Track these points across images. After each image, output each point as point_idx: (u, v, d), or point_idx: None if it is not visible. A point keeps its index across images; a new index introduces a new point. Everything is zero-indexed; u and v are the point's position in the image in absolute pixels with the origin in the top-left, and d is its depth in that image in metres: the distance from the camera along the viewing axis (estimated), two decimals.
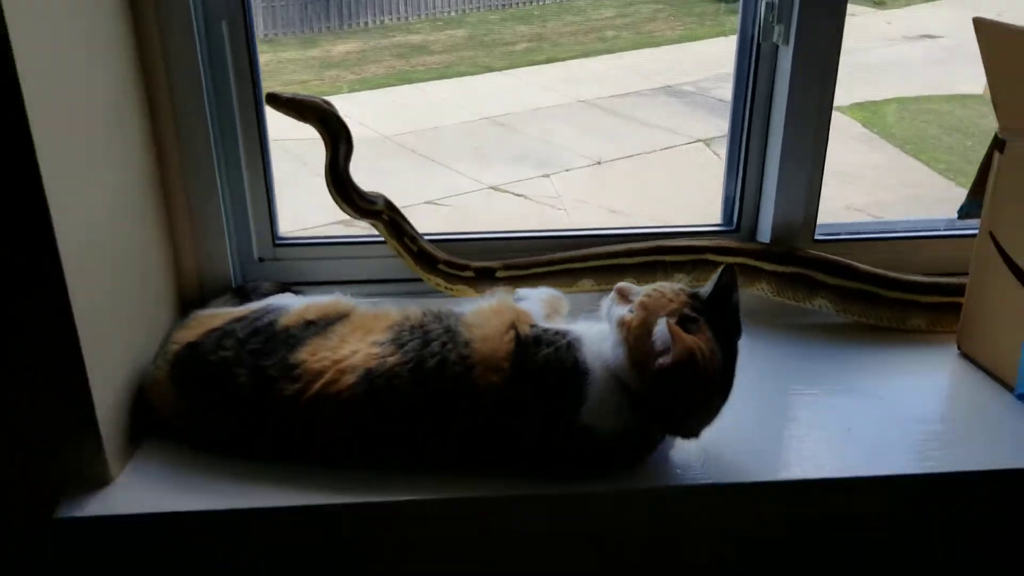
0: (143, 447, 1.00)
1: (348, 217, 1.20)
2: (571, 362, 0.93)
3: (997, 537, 1.09)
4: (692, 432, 0.93)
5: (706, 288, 0.95)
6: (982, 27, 1.03)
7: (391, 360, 0.94)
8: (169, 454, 0.99)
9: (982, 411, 1.09)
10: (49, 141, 0.83)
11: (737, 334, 0.95)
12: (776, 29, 1.18)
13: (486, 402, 0.92)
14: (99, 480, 0.94)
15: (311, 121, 1.15)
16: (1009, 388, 1.11)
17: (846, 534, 1.07)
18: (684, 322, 0.89)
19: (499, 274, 1.22)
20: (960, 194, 1.19)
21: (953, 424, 1.07)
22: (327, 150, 1.16)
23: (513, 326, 0.96)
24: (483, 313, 0.99)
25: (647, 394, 0.90)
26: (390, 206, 1.21)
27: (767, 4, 1.17)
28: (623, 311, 0.93)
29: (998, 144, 1.09)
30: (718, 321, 0.92)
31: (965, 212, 1.16)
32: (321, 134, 1.16)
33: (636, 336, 0.90)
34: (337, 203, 1.19)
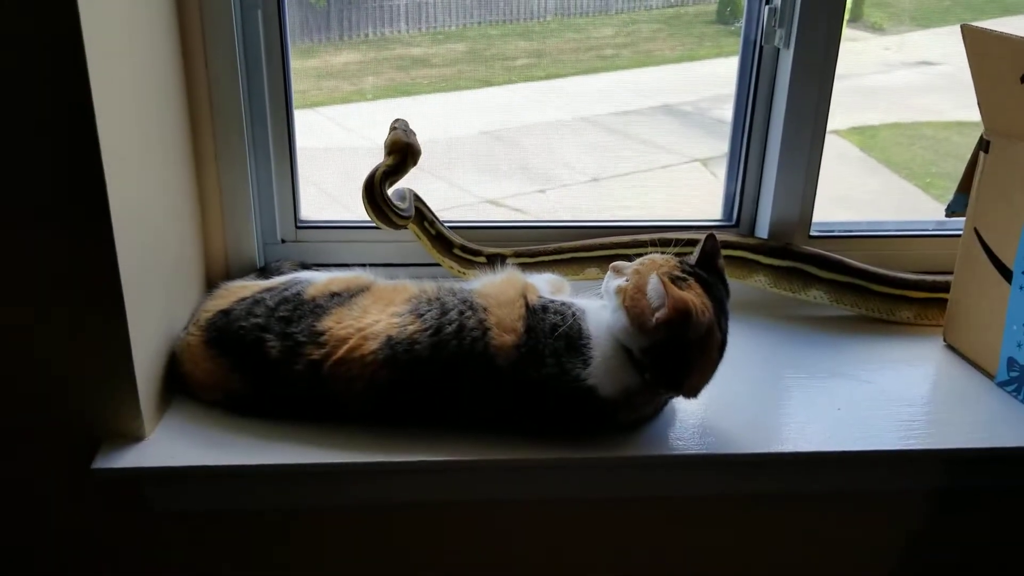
0: (172, 408, 1.06)
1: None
2: (576, 327, 1.00)
3: (974, 510, 1.15)
4: (693, 389, 0.99)
5: (692, 256, 1.03)
6: (969, 34, 1.10)
7: (411, 328, 1.00)
8: (197, 415, 1.05)
9: (964, 396, 1.15)
10: (108, 122, 0.90)
11: (726, 294, 1.02)
12: (778, 33, 1.25)
13: (499, 362, 0.98)
14: (135, 436, 1.00)
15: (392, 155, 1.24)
16: (990, 376, 1.17)
17: (835, 506, 1.13)
18: (674, 281, 0.97)
19: (510, 261, 1.28)
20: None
21: (936, 407, 1.13)
22: (383, 168, 1.22)
23: (523, 294, 1.04)
24: (495, 284, 1.07)
25: (649, 352, 0.96)
26: (416, 197, 1.27)
27: (770, 9, 1.25)
28: (620, 281, 1.00)
29: (983, 145, 1.16)
30: (706, 282, 0.99)
31: (952, 210, 1.23)
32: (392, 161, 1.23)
33: (632, 297, 0.97)
34: (370, 215, 1.23)
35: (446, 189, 1.66)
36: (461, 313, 1.01)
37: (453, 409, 1.01)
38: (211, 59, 1.15)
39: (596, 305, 1.04)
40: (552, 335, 0.99)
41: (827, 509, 1.16)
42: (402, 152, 1.23)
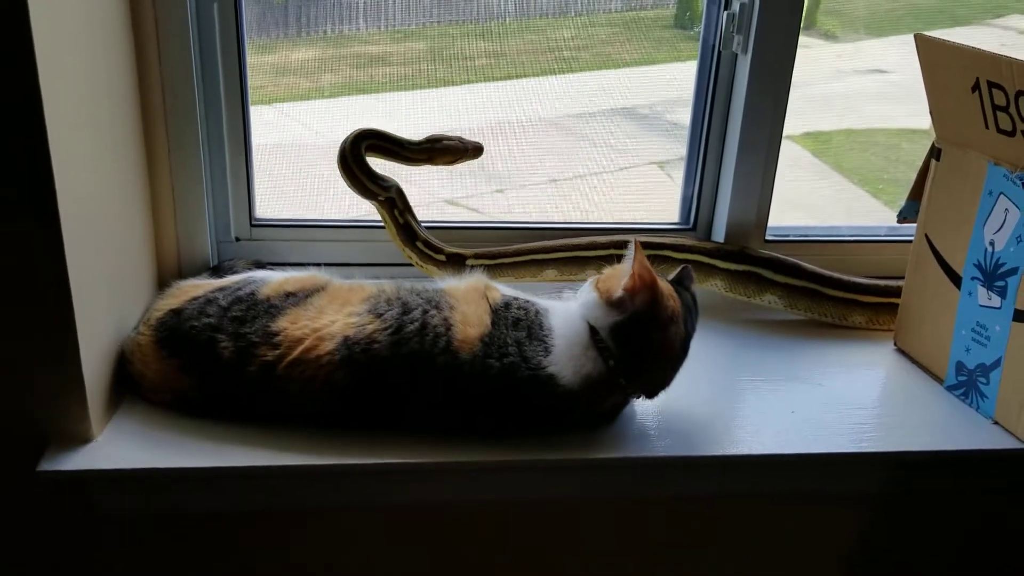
0: (122, 409, 1.04)
1: None
2: (538, 320, 1.03)
3: (925, 512, 1.18)
4: (653, 382, 1.02)
5: (669, 277, 1.07)
6: (922, 43, 1.12)
7: (370, 327, 0.99)
8: (146, 416, 1.03)
9: (914, 400, 1.17)
10: (56, 117, 0.87)
11: (694, 308, 1.06)
12: (736, 39, 1.26)
13: (463, 356, 0.98)
14: (82, 438, 0.98)
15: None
16: (939, 380, 1.20)
17: (789, 508, 1.15)
18: None
19: (469, 262, 1.28)
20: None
21: (887, 410, 1.15)
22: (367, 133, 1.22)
23: (486, 294, 1.06)
24: (460, 287, 1.08)
25: (614, 331, 0.99)
26: (398, 190, 1.27)
27: (728, 15, 1.26)
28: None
29: (935, 152, 1.18)
30: (677, 288, 1.05)
31: (903, 216, 1.25)
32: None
33: (607, 278, 1.02)
34: (345, 179, 1.23)
35: (403, 186, 1.65)
36: (425, 312, 1.01)
37: (412, 410, 1.00)
38: (165, 54, 1.13)
39: (559, 303, 1.06)
40: (515, 327, 1.01)
41: (781, 511, 1.17)
42: (432, 150, 1.25)
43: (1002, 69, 1.02)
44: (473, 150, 1.27)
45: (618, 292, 0.99)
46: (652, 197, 1.59)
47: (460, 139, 1.27)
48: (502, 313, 1.03)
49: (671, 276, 1.08)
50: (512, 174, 1.78)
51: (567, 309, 1.04)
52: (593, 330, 1.00)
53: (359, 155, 1.21)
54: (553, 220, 1.41)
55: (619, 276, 1.01)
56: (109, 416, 1.02)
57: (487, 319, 1.01)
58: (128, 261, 1.11)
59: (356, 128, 1.21)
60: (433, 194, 1.67)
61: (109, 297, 1.03)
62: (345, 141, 1.21)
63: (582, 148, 1.83)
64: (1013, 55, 1.01)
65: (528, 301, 1.06)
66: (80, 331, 0.93)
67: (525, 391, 0.98)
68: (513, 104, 1.74)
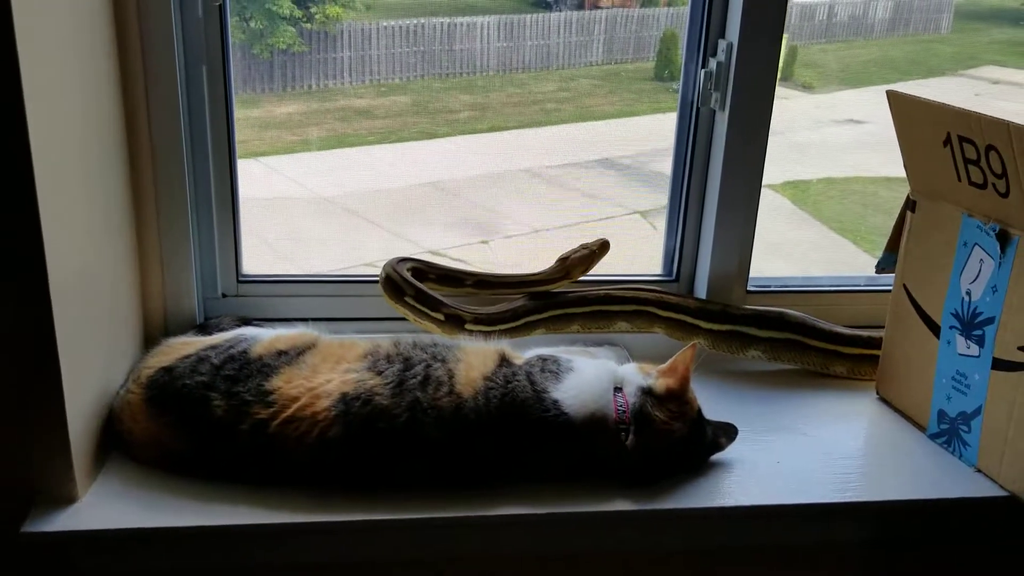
0: (108, 468, 1.04)
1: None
2: (555, 358, 1.08)
3: (910, 561, 1.18)
4: (650, 471, 1.05)
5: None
6: (895, 99, 1.15)
7: (371, 382, 1.00)
8: (134, 475, 1.03)
9: (897, 448, 1.18)
10: (47, 180, 0.89)
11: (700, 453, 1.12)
12: (714, 96, 1.29)
13: (465, 397, 1.01)
14: (67, 498, 0.97)
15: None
16: (922, 429, 1.21)
17: (776, 559, 1.15)
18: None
19: (468, 326, 1.26)
20: None
21: (871, 460, 1.16)
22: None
23: (502, 352, 1.09)
24: (478, 346, 1.12)
25: (646, 391, 1.06)
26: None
27: (705, 73, 1.29)
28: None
29: (910, 204, 1.20)
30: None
31: (881, 267, 1.27)
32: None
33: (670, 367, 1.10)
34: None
35: (389, 239, 1.65)
36: (428, 366, 1.03)
37: (412, 461, 1.00)
38: (154, 114, 1.14)
39: (590, 359, 1.12)
40: (528, 365, 1.06)
41: (768, 562, 1.17)
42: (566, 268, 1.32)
43: (972, 124, 1.05)
44: (600, 248, 1.33)
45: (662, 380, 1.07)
46: (636, 247, 1.61)
47: (582, 246, 1.33)
48: (516, 364, 1.07)
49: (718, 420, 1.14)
50: (496, 225, 1.79)
51: (597, 360, 1.10)
52: (617, 387, 1.05)
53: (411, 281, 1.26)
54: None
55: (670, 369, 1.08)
56: (95, 475, 1.02)
57: (492, 366, 1.05)
58: (116, 319, 1.12)
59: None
60: (419, 245, 1.68)
61: (96, 356, 1.04)
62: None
63: (566, 198, 1.85)
64: (986, 105, 1.04)
65: (554, 353, 1.11)
66: (67, 391, 0.94)
67: (527, 413, 1.01)
68: (497, 156, 1.76)
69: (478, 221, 1.80)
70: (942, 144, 1.10)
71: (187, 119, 1.18)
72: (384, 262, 1.28)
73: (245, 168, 1.32)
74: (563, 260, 1.32)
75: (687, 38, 1.33)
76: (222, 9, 1.18)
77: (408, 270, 1.27)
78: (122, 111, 1.12)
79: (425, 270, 1.30)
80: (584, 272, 1.32)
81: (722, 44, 1.27)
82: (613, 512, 1.02)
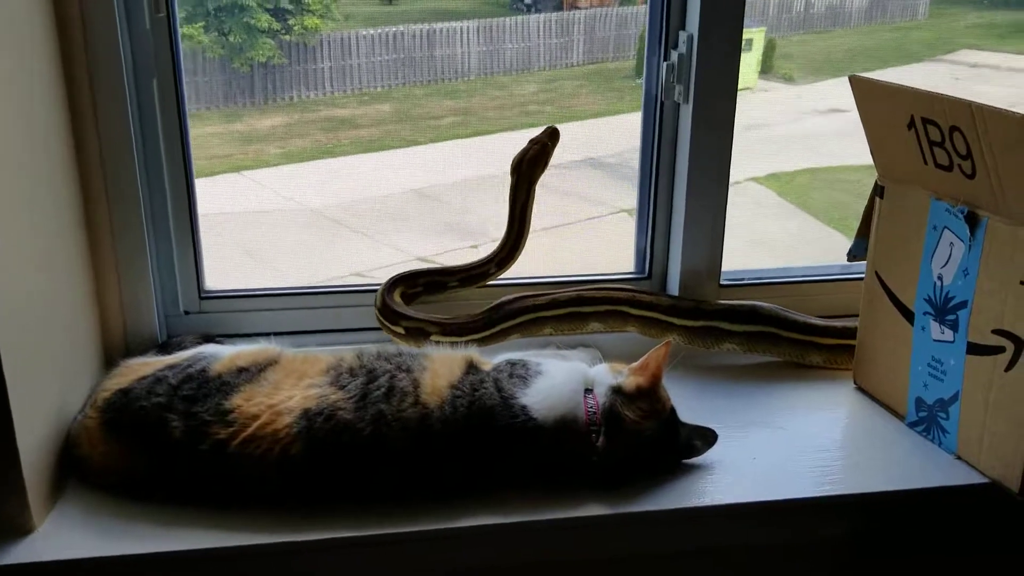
0: (66, 496, 1.01)
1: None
2: (524, 363, 1.07)
3: (893, 552, 1.16)
4: (619, 450, 1.02)
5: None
6: (857, 84, 1.13)
7: (333, 397, 0.98)
8: (91, 502, 1.00)
9: (876, 439, 1.16)
10: None
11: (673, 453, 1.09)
12: (676, 88, 1.27)
13: (431, 406, 0.99)
14: (22, 529, 0.95)
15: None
16: (901, 417, 1.19)
17: (756, 557, 1.12)
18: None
19: (434, 337, 1.24)
20: None
21: (850, 451, 1.14)
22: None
23: (469, 359, 1.07)
24: (445, 353, 1.10)
25: (616, 390, 1.04)
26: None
27: (668, 65, 1.27)
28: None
29: (879, 190, 1.18)
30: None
31: (853, 254, 1.25)
32: None
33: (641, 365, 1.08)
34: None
35: (376, 247, 1.64)
36: (392, 376, 1.01)
37: (378, 474, 0.98)
38: (103, 129, 1.12)
39: (558, 361, 1.10)
40: (496, 371, 1.04)
41: (748, 560, 1.15)
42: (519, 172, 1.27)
43: (934, 105, 1.03)
44: (550, 138, 1.28)
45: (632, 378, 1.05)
46: (623, 245, 1.59)
47: (531, 141, 1.28)
48: (484, 370, 1.05)
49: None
50: (483, 228, 1.78)
51: (567, 363, 1.08)
52: (589, 385, 1.04)
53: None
54: (519, 276, 1.39)
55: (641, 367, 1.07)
56: (52, 504, 0.99)
57: (459, 374, 1.03)
58: (71, 341, 1.09)
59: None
60: (407, 252, 1.67)
61: (50, 381, 1.01)
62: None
63: (552, 199, 1.84)
64: (966, 88, 1.03)
65: (523, 357, 1.08)
66: (17, 422, 0.91)
67: (494, 420, 0.99)
68: (481, 160, 1.76)
69: (466, 226, 1.79)
70: (906, 127, 1.08)
71: (139, 134, 1.16)
72: (375, 272, 1.27)
73: (228, 183, 1.30)
74: (517, 166, 1.28)
75: (648, 31, 1.31)
76: (170, 21, 1.16)
77: (392, 283, 1.27)
78: (69, 126, 1.10)
79: (412, 282, 1.29)
80: (544, 167, 1.28)
81: (683, 36, 1.25)
82: (586, 517, 1.00)
